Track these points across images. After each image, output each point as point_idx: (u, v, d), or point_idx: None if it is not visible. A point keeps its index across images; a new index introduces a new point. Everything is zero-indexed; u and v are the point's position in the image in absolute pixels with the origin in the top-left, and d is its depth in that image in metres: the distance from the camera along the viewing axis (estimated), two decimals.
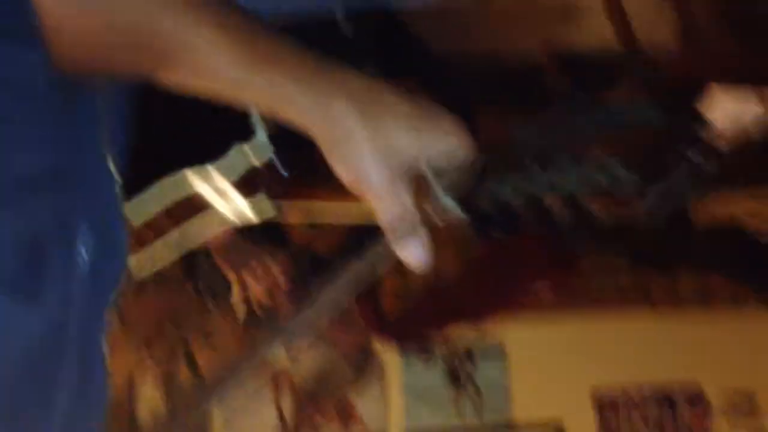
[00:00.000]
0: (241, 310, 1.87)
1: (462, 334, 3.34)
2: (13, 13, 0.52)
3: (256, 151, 0.81)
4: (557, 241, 3.24)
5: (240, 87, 0.63)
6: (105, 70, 0.64)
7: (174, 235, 0.90)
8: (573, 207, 0.56)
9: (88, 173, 0.65)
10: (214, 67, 0.61)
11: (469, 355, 3.57)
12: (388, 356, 3.48)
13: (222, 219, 0.91)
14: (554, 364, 3.57)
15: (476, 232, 0.62)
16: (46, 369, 0.58)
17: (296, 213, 0.94)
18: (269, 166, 0.83)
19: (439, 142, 0.67)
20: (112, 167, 0.69)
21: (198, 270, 1.96)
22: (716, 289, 3.23)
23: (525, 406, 3.54)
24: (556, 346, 3.59)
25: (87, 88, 0.65)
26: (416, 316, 3.18)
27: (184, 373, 2.94)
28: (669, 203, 0.52)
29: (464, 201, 0.65)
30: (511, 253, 3.15)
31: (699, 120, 0.53)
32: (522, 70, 1.93)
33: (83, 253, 0.60)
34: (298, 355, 1.96)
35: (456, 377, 3.54)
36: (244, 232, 1.93)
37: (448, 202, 0.65)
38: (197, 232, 0.93)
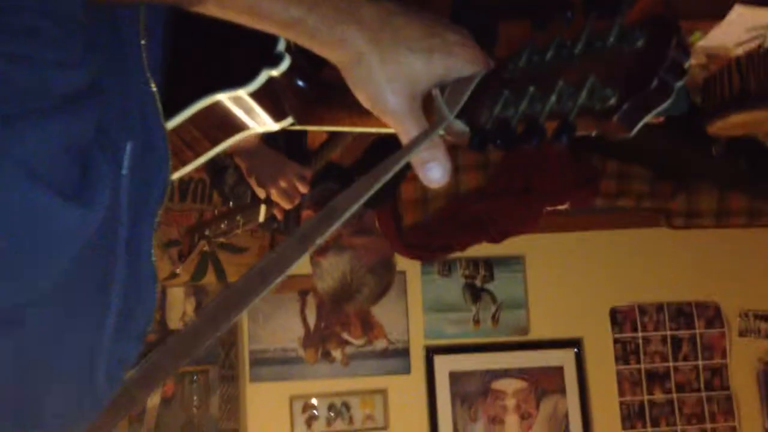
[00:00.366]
0: (264, 217, 1.93)
1: (482, 248, 3.38)
2: None
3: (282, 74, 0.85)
4: (582, 161, 3.26)
5: (265, 18, 0.66)
6: None
7: (211, 153, 0.94)
8: (564, 126, 0.60)
9: (131, 90, 0.70)
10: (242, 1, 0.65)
11: (488, 265, 3.62)
12: (409, 270, 3.57)
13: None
14: (572, 279, 3.62)
15: (475, 146, 0.66)
16: (101, 268, 0.63)
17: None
18: (292, 87, 0.87)
19: (450, 61, 0.70)
20: (152, 86, 0.73)
21: (225, 180, 2.02)
22: (734, 208, 3.22)
23: (542, 322, 3.60)
24: (575, 262, 3.63)
25: (125, 11, 0.69)
26: (437, 229, 3.21)
27: (211, 280, 3.05)
28: (638, 116, 0.57)
29: (467, 116, 0.68)
30: (537, 175, 3.17)
31: (678, 42, 0.57)
32: None
33: (126, 162, 0.64)
34: (322, 265, 2.01)
35: (475, 291, 3.61)
36: (269, 141, 1.99)
37: (455, 121, 0.68)
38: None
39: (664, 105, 0.58)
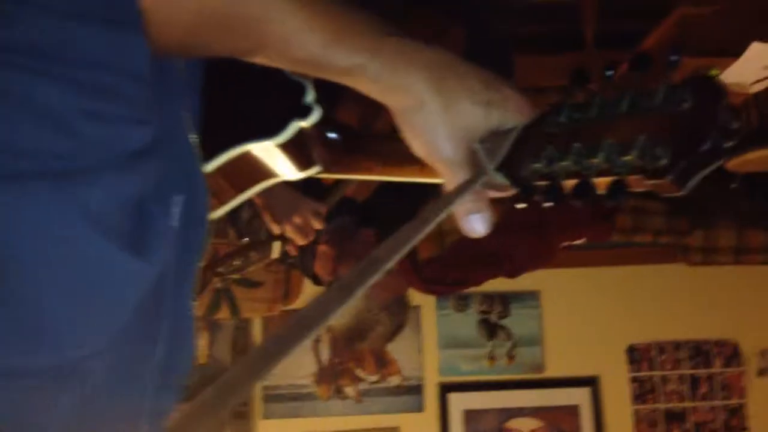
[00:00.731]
0: (278, 253, 1.93)
1: (498, 283, 3.36)
2: None
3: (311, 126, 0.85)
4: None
5: (324, 64, 0.66)
6: (199, 50, 0.67)
7: (235, 202, 0.94)
8: (615, 186, 0.61)
9: (178, 142, 0.70)
10: (302, 46, 0.64)
11: (504, 301, 3.59)
12: (424, 306, 3.54)
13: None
14: (589, 316, 3.58)
15: (522, 200, 0.66)
16: (151, 320, 0.63)
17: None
18: (321, 139, 0.87)
19: (506, 116, 0.70)
20: (193, 137, 0.73)
21: (240, 215, 2.02)
22: (753, 245, 3.20)
23: (558, 359, 3.56)
24: (591, 298, 3.60)
25: (169, 62, 0.69)
26: (452, 264, 3.20)
27: (225, 315, 3.03)
28: (690, 175, 0.58)
29: (506, 169, 0.68)
30: (553, 210, 3.16)
31: (726, 105, 0.58)
32: (557, 11, 1.93)
33: (176, 215, 0.64)
34: None
35: (490, 327, 3.58)
36: (288, 183, 2.00)
37: (495, 173, 0.68)
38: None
39: (716, 165, 0.59)
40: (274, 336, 0.50)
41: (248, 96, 0.89)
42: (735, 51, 1.98)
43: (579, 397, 3.51)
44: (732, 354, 3.59)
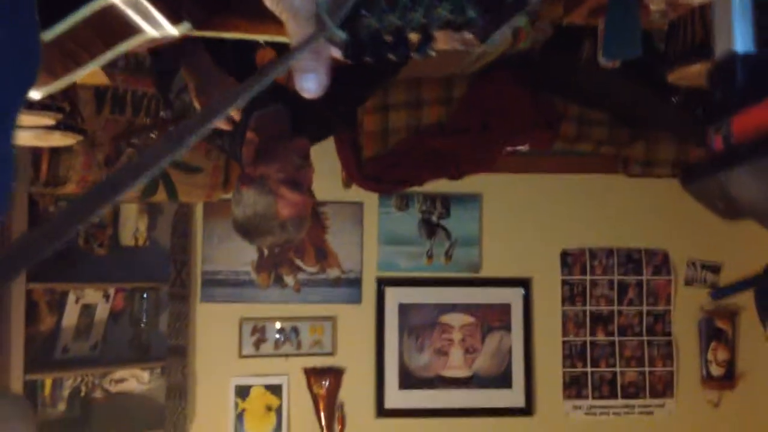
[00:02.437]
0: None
1: (440, 184, 3.39)
2: None
3: None
4: (543, 104, 3.26)
5: None
6: None
7: (107, 56, 0.93)
8: (426, 38, 0.64)
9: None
10: None
11: (445, 202, 3.64)
12: (367, 203, 3.58)
13: (149, 40, 0.95)
14: (527, 220, 3.66)
15: (350, 56, 0.67)
16: None
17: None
18: None
19: None
20: None
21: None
22: (691, 159, 3.26)
23: (494, 260, 3.65)
24: (530, 203, 3.67)
25: None
26: (396, 162, 3.21)
27: (162, 198, 3.02)
28: (492, 30, 0.62)
29: (348, 27, 0.70)
30: (497, 115, 3.17)
31: None
32: None
33: None
34: (243, 195, 1.97)
35: (430, 226, 3.63)
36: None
37: (337, 30, 0.70)
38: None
39: (516, 19, 0.63)
40: (108, 179, 0.52)
41: None
42: None
43: (511, 296, 3.62)
44: (662, 263, 3.72)
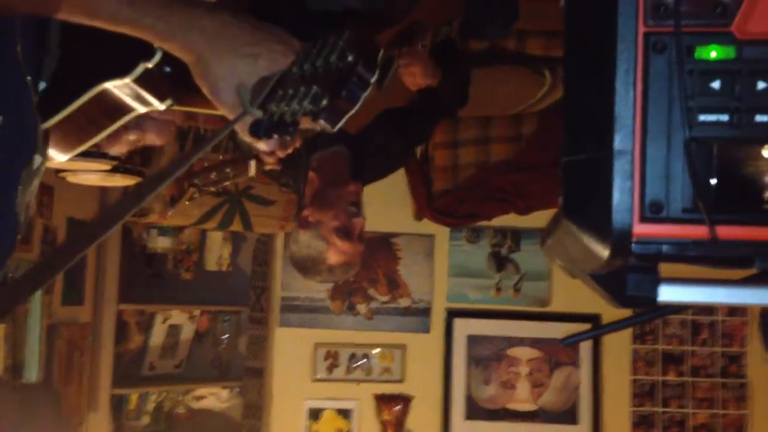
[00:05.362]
0: (255, 172, 2.10)
1: (511, 219, 3.47)
2: None
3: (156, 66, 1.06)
4: None
5: (118, 22, 0.85)
6: (3, 8, 0.85)
7: (112, 127, 1.14)
8: (291, 124, 0.85)
9: (7, 80, 0.92)
10: (102, 8, 0.83)
11: (515, 236, 3.72)
12: (438, 235, 3.70)
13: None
14: None
15: (253, 134, 0.87)
16: None
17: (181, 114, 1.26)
18: (162, 74, 1.07)
19: (273, 65, 0.89)
20: (28, 77, 0.94)
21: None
22: None
23: (563, 295, 3.69)
24: None
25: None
26: (465, 197, 3.32)
27: (239, 228, 3.24)
28: (339, 117, 0.79)
29: (265, 111, 0.89)
30: None
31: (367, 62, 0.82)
32: None
33: None
34: (299, 237, 2.16)
35: (500, 260, 3.71)
36: None
37: (256, 110, 0.88)
38: None
39: (352, 110, 0.80)
40: (86, 227, 0.69)
41: (101, 43, 1.08)
42: None
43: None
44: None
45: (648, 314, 0.90)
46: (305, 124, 0.83)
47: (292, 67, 0.88)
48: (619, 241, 0.67)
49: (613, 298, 0.79)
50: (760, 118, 0.65)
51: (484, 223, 3.50)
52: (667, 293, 0.76)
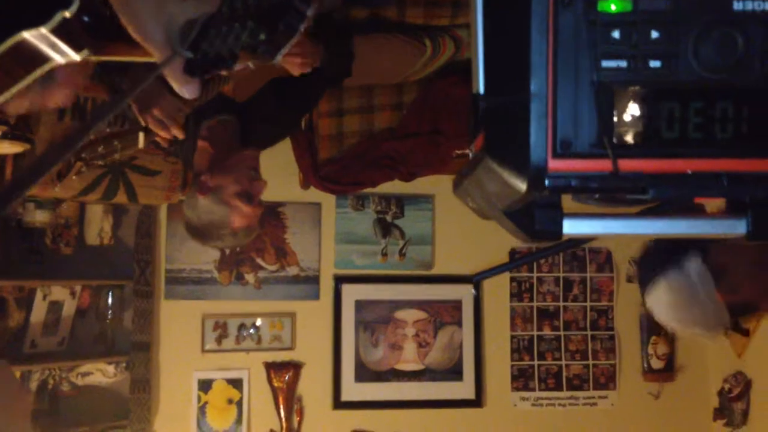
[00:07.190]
0: (144, 144, 2.07)
1: (394, 185, 3.56)
2: None
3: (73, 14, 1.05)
4: None
5: None
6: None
7: (27, 79, 1.12)
8: (230, 58, 0.87)
9: None
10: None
11: (399, 203, 3.82)
12: (324, 203, 3.75)
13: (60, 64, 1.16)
14: (476, 220, 3.83)
15: (186, 72, 0.89)
16: None
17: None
18: (81, 23, 1.07)
19: (202, 7, 0.90)
20: None
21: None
22: None
23: (446, 258, 3.84)
24: None
25: None
26: (350, 165, 3.37)
27: (123, 200, 3.18)
28: (275, 50, 0.82)
29: (195, 51, 0.91)
30: (444, 117, 3.34)
31: None
32: None
33: None
34: (199, 202, 2.13)
35: (385, 226, 3.81)
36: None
37: (185, 52, 0.90)
38: None
39: (291, 42, 0.84)
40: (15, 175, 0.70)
41: None
42: None
43: (462, 292, 3.81)
44: (605, 261, 3.92)
45: (550, 250, 0.99)
46: (243, 59, 0.85)
47: (221, 8, 0.90)
48: (536, 175, 0.75)
49: (523, 232, 0.86)
50: (653, 63, 0.74)
51: (369, 190, 3.57)
52: (571, 226, 0.85)
